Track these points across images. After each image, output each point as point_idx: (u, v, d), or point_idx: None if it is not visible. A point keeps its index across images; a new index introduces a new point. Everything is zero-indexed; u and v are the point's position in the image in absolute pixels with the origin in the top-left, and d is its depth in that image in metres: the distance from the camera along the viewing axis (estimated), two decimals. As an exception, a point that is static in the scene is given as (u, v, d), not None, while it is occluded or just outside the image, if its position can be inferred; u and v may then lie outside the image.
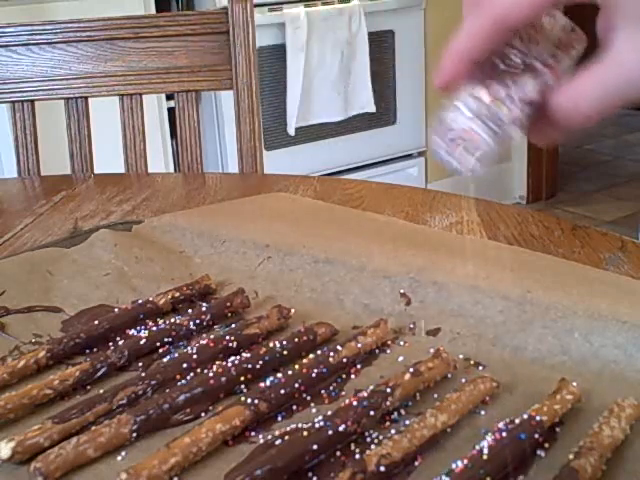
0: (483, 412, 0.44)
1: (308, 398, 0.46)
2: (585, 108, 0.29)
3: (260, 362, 0.48)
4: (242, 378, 0.47)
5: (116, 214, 0.82)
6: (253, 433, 0.43)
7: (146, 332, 0.53)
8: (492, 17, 0.31)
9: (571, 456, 0.39)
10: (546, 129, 0.33)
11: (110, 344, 0.53)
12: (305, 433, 0.40)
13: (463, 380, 0.46)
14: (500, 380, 0.46)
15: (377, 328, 0.52)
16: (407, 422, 0.42)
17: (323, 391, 0.47)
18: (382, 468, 0.38)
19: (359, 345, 0.50)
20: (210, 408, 0.45)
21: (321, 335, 0.52)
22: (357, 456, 0.39)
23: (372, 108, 2.55)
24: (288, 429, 0.41)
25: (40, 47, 1.07)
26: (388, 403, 0.43)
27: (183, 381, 0.47)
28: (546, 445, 0.41)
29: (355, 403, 0.43)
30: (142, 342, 0.51)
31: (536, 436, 0.40)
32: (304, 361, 0.48)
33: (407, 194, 0.84)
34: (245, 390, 0.46)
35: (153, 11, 2.14)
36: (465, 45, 0.32)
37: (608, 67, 0.28)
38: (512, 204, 2.91)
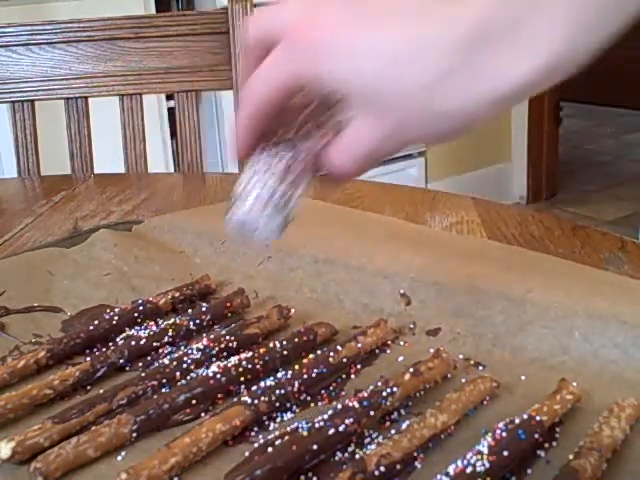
0: (483, 412, 0.44)
1: (308, 398, 0.46)
2: (347, 168, 0.38)
3: (260, 362, 0.48)
4: (242, 378, 0.47)
5: (116, 214, 0.82)
6: (253, 433, 0.43)
7: (146, 332, 0.53)
8: (252, 104, 0.39)
9: (571, 456, 0.39)
10: (328, 179, 0.40)
11: (110, 344, 0.53)
12: (305, 433, 0.40)
13: (463, 380, 0.46)
14: (500, 380, 0.46)
15: (377, 328, 0.52)
16: (407, 422, 0.42)
17: (323, 391, 0.47)
18: (382, 468, 0.38)
19: (359, 345, 0.50)
20: (210, 408, 0.45)
21: (321, 335, 0.52)
22: (357, 456, 0.39)
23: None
24: (288, 429, 0.41)
25: (40, 47, 1.07)
26: (388, 403, 0.43)
27: (183, 381, 0.47)
28: (546, 445, 0.41)
29: (355, 403, 0.42)
30: (142, 342, 0.51)
31: (536, 436, 0.40)
32: (304, 361, 0.48)
33: (407, 194, 0.84)
34: (245, 390, 0.46)
35: (153, 11, 2.14)
36: (245, 126, 0.40)
37: (352, 140, 0.37)
38: (512, 204, 2.91)
